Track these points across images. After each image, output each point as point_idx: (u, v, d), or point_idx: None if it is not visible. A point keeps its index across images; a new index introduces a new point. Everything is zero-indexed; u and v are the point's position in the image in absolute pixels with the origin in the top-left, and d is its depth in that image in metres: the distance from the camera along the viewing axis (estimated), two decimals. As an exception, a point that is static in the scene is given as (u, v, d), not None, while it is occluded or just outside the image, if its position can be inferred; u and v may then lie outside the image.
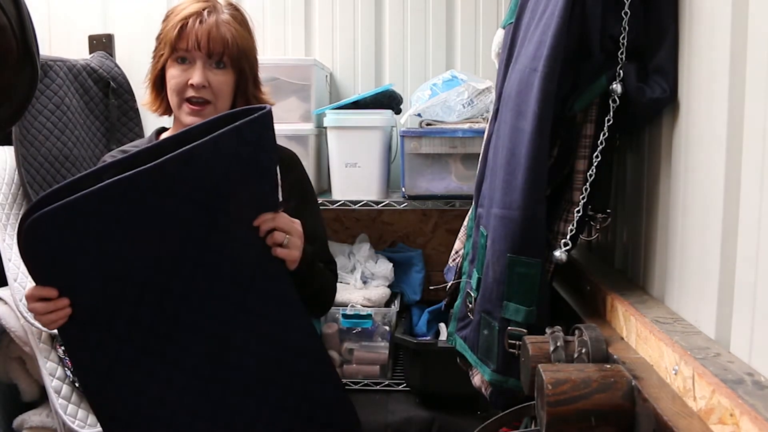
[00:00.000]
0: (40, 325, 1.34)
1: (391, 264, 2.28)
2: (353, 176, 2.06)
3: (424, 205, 2.14)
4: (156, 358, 1.19)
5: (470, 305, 1.30)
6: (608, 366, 0.92)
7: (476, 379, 1.35)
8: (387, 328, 2.13)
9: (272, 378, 1.23)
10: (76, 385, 1.80)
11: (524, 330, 1.12)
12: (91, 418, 1.81)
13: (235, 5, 1.39)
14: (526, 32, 1.19)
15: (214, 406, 1.22)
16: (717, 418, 0.72)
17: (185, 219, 1.15)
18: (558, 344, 0.99)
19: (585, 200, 1.13)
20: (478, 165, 1.41)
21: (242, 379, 1.22)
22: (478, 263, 1.27)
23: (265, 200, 1.20)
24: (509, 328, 1.14)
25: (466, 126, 1.97)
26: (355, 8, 2.40)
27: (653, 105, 1.06)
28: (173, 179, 1.12)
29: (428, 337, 2.16)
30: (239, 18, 1.37)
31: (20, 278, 1.73)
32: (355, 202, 2.07)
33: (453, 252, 1.55)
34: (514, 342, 1.12)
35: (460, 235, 1.54)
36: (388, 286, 2.24)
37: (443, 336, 2.11)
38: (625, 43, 1.07)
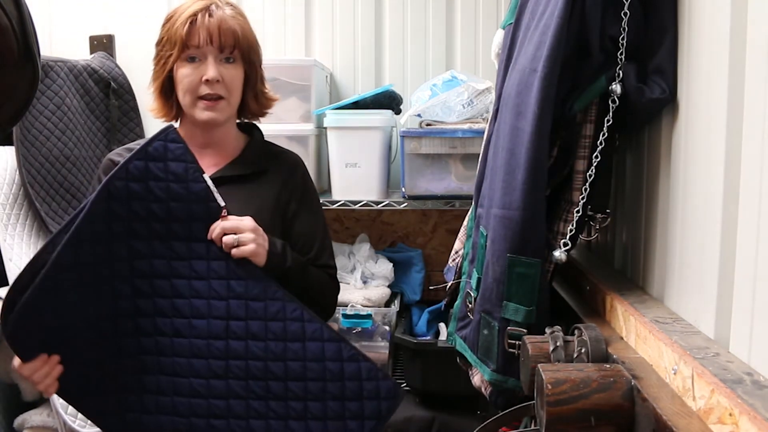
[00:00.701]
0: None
1: (391, 264, 2.28)
2: (353, 176, 2.06)
3: (424, 205, 2.14)
4: (161, 379, 1.23)
5: (470, 305, 1.30)
6: (608, 366, 0.92)
7: (476, 379, 1.36)
8: (387, 328, 2.13)
9: (286, 373, 1.23)
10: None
11: (524, 330, 1.12)
12: (92, 418, 1.81)
13: (232, 3, 1.39)
14: (525, 33, 1.19)
15: (233, 416, 1.23)
16: (716, 418, 0.72)
17: (143, 253, 1.20)
18: (558, 344, 0.99)
19: (584, 200, 1.14)
20: (478, 165, 1.41)
21: (257, 385, 1.23)
22: (478, 263, 1.27)
23: (205, 213, 1.22)
24: (509, 327, 1.14)
25: (466, 126, 1.97)
26: (355, 8, 2.40)
27: (653, 105, 1.06)
28: (106, 220, 1.18)
29: (428, 337, 2.16)
30: (241, 13, 1.38)
31: (21, 278, 1.73)
32: (355, 202, 2.08)
33: (453, 252, 1.55)
34: (513, 342, 1.12)
35: (459, 235, 1.55)
36: (388, 286, 2.24)
37: (443, 336, 2.11)
38: (625, 44, 1.07)
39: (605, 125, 1.10)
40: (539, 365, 0.93)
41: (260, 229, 1.26)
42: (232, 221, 1.22)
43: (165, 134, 1.21)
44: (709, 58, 0.92)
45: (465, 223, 1.50)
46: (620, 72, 1.08)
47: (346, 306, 2.11)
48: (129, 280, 1.20)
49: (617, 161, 1.30)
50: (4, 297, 1.18)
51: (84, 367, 1.21)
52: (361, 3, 2.40)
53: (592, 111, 1.13)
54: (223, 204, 1.22)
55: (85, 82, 2.16)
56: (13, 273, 1.74)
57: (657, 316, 0.99)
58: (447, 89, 1.97)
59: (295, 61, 2.19)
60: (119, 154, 1.41)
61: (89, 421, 1.82)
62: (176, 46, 1.31)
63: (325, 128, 2.08)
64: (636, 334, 1.00)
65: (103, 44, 2.38)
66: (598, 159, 1.12)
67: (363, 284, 2.22)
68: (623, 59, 1.08)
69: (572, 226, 1.14)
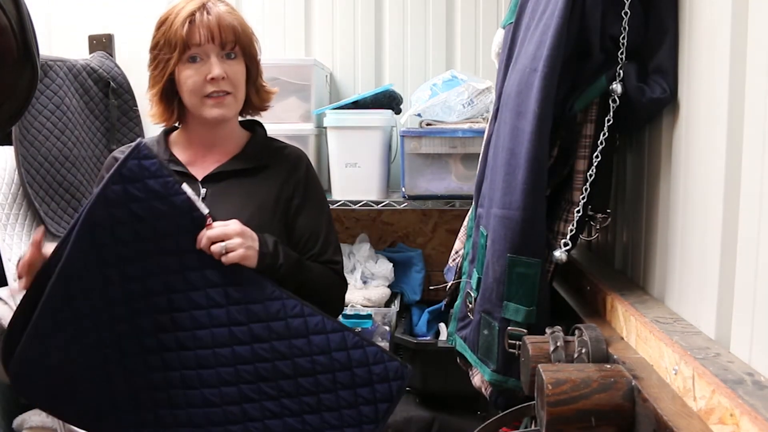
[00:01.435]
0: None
1: (391, 264, 2.28)
2: (353, 176, 2.06)
3: (424, 205, 2.15)
4: (172, 393, 1.23)
5: (470, 305, 1.30)
6: (608, 366, 0.92)
7: (476, 379, 1.35)
8: (387, 328, 2.12)
9: (295, 370, 1.23)
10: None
11: (524, 330, 1.12)
12: (91, 418, 1.81)
13: (224, 0, 1.39)
14: (526, 32, 1.19)
15: (249, 419, 1.24)
16: (717, 418, 0.72)
17: (135, 276, 1.20)
18: (558, 344, 0.99)
19: (585, 200, 1.14)
20: (478, 165, 1.41)
21: (268, 386, 1.23)
22: (478, 263, 1.27)
23: (191, 224, 1.22)
24: (509, 328, 1.14)
25: (466, 126, 1.97)
26: (355, 8, 2.40)
27: (653, 105, 1.06)
28: (93, 250, 1.18)
29: (428, 337, 2.16)
30: (234, 9, 1.38)
31: (20, 278, 1.73)
32: (355, 202, 2.07)
33: (453, 252, 1.55)
34: (514, 342, 1.12)
35: (460, 235, 1.54)
36: (388, 286, 2.24)
37: (443, 336, 2.11)
38: (625, 43, 1.07)
39: (606, 125, 1.10)
40: (539, 365, 0.93)
41: (248, 230, 1.25)
42: (217, 229, 1.21)
43: (137, 152, 1.18)
44: (710, 58, 0.92)
45: (465, 223, 1.50)
46: (621, 72, 1.08)
47: (346, 306, 2.11)
48: (126, 303, 1.21)
49: (617, 161, 1.29)
50: (4, 339, 1.19)
51: (95, 394, 1.22)
52: (361, 3, 2.40)
53: (593, 111, 1.13)
54: (206, 212, 1.22)
55: (84, 81, 2.16)
56: (12, 273, 1.73)
57: (657, 316, 0.99)
58: (447, 89, 1.97)
59: (295, 60, 2.19)
60: (123, 152, 1.40)
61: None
62: (176, 47, 1.30)
63: (325, 128, 2.08)
64: (636, 334, 1.00)
65: (102, 44, 2.38)
66: (599, 159, 1.12)
67: (363, 284, 2.22)
68: (624, 59, 1.08)
69: (572, 226, 1.14)
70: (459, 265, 1.46)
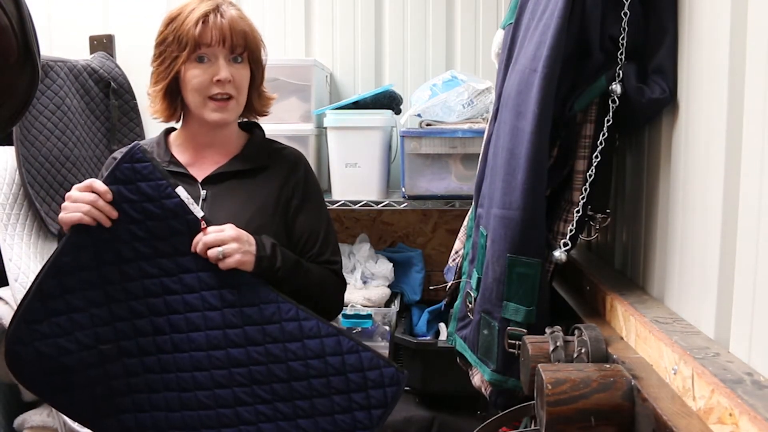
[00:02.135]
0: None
1: (391, 264, 2.28)
2: (353, 176, 2.06)
3: (424, 205, 2.15)
4: (167, 395, 1.24)
5: (470, 305, 1.30)
6: (608, 366, 0.92)
7: (476, 379, 1.36)
8: (387, 328, 2.13)
9: (289, 374, 1.23)
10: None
11: (524, 330, 1.12)
12: (92, 418, 1.81)
13: (234, 4, 1.40)
14: (525, 33, 1.19)
15: (243, 422, 1.24)
16: (716, 418, 0.72)
17: (132, 275, 1.22)
18: (558, 344, 0.99)
19: (584, 200, 1.14)
20: (478, 165, 1.41)
21: (262, 390, 1.23)
22: (478, 263, 1.27)
23: (184, 227, 1.23)
24: (509, 328, 1.14)
25: (465, 126, 1.97)
26: (355, 8, 2.40)
27: (653, 105, 1.06)
28: (90, 246, 1.21)
29: (428, 337, 2.16)
30: (244, 14, 1.39)
31: (21, 278, 1.73)
32: (355, 202, 2.08)
33: (453, 252, 1.55)
34: (513, 342, 1.12)
35: (460, 235, 1.55)
36: (388, 286, 2.24)
37: (443, 336, 2.11)
38: (625, 44, 1.07)
39: (605, 125, 1.10)
40: (539, 365, 0.93)
41: (244, 234, 1.25)
42: (213, 235, 1.22)
43: (131, 155, 1.21)
44: (709, 58, 0.92)
45: (465, 223, 1.50)
46: (620, 72, 1.08)
47: (347, 306, 2.11)
48: (124, 302, 1.22)
49: (617, 161, 1.30)
50: (6, 335, 1.21)
51: (93, 390, 1.23)
52: (361, 3, 2.40)
53: (592, 111, 1.13)
54: (201, 215, 1.23)
55: (85, 82, 2.16)
56: (13, 273, 1.74)
57: (657, 316, 0.99)
58: (447, 89, 1.97)
59: (295, 61, 2.19)
60: (123, 153, 1.41)
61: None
62: (187, 46, 1.30)
63: (325, 128, 2.08)
64: (636, 334, 1.00)
65: (103, 44, 2.38)
66: (598, 159, 1.12)
67: (363, 284, 2.22)
68: (623, 59, 1.08)
69: (572, 226, 1.14)
70: (459, 265, 1.46)
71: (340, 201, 2.08)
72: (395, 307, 2.18)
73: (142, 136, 2.27)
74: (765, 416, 0.64)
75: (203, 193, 1.33)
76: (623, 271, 1.29)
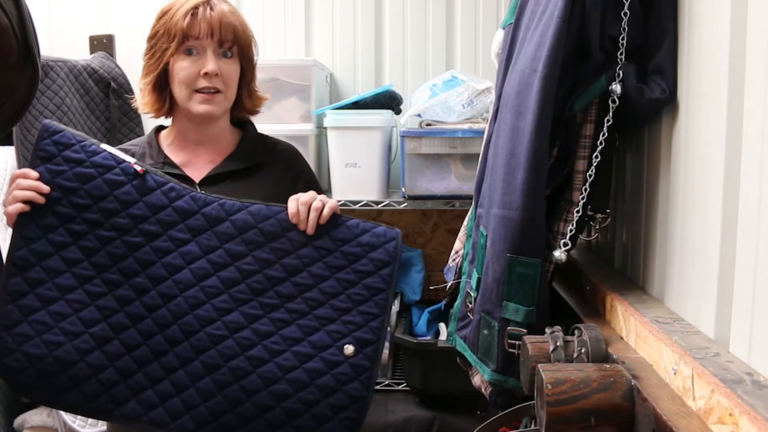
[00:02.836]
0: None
1: (391, 264, 2.27)
2: (353, 176, 2.06)
3: (424, 205, 2.14)
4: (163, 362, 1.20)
5: (470, 305, 1.30)
6: (608, 366, 0.92)
7: (476, 379, 1.36)
8: (387, 328, 2.12)
9: (285, 272, 1.22)
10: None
11: (524, 330, 1.12)
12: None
13: (227, 1, 1.39)
14: (525, 33, 1.19)
15: (263, 337, 1.21)
16: (716, 418, 0.72)
17: (94, 249, 1.20)
18: (558, 344, 0.99)
19: (584, 200, 1.14)
20: (478, 165, 1.41)
21: (267, 297, 1.21)
22: (478, 263, 1.27)
23: (121, 177, 1.21)
24: (509, 327, 1.14)
25: (465, 126, 1.97)
26: (355, 8, 2.40)
27: (653, 105, 1.06)
28: (41, 235, 1.19)
29: (428, 337, 2.16)
30: (237, 10, 1.39)
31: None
32: (355, 202, 2.08)
33: (453, 252, 1.55)
34: (513, 342, 1.12)
35: (460, 235, 1.55)
36: (389, 286, 2.23)
37: (443, 336, 2.11)
38: (625, 44, 1.07)
39: (605, 125, 1.10)
40: (539, 365, 0.93)
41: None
42: (308, 194, 1.26)
43: (45, 130, 1.21)
44: (709, 58, 0.92)
45: (465, 223, 1.50)
46: (620, 72, 1.08)
47: (346, 306, 2.11)
48: (97, 277, 1.19)
49: (617, 161, 1.30)
50: None
51: (99, 378, 1.18)
52: (361, 3, 2.40)
53: (592, 111, 1.13)
54: (133, 160, 1.23)
55: (85, 82, 2.16)
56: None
57: (657, 316, 0.99)
58: (447, 89, 1.97)
59: (295, 61, 2.19)
60: None
61: (89, 421, 1.83)
62: (175, 38, 1.30)
63: (325, 128, 2.08)
64: (636, 334, 1.00)
65: (103, 44, 2.38)
66: (598, 159, 1.12)
67: (363, 284, 2.21)
68: (623, 59, 1.08)
69: (572, 226, 1.14)
70: (459, 265, 1.46)
71: (340, 201, 2.07)
72: (395, 307, 2.18)
73: (141, 136, 2.27)
74: (765, 416, 0.64)
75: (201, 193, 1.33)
76: (623, 271, 1.29)
